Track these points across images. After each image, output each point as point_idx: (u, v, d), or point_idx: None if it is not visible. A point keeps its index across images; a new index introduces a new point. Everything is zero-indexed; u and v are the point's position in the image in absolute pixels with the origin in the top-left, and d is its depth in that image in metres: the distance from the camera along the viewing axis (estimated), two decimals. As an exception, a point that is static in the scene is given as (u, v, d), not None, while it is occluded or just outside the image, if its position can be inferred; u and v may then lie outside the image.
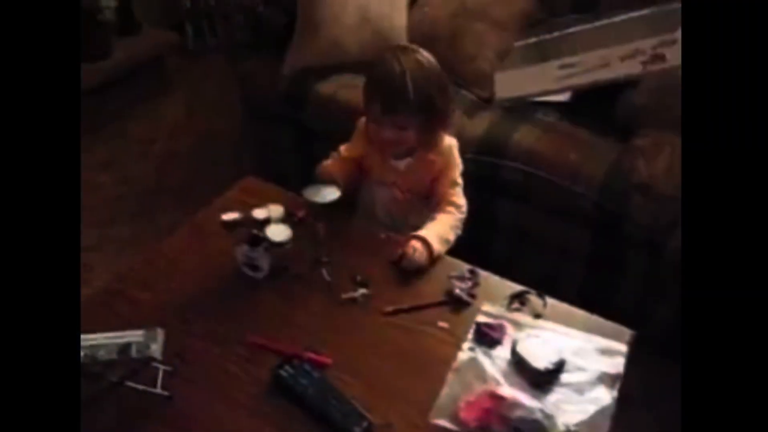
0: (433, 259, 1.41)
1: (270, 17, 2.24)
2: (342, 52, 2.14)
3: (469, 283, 1.37)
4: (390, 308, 1.33)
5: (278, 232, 1.34)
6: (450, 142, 1.56)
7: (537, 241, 1.90)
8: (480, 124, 1.94)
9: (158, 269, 1.44)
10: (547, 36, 1.99)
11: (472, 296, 1.35)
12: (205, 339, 1.27)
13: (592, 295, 1.79)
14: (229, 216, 1.38)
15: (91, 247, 2.32)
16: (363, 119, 1.62)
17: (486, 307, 1.33)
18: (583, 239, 1.82)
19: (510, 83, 1.99)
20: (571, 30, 1.95)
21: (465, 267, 1.41)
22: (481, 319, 1.30)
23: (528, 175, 1.83)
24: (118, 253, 2.31)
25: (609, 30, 1.86)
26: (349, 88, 2.10)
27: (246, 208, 1.54)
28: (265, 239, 1.33)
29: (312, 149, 2.21)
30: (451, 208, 1.51)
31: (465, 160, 1.84)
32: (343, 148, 1.67)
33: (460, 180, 1.55)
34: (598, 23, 1.92)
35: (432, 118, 1.49)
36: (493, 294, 1.36)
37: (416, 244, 1.40)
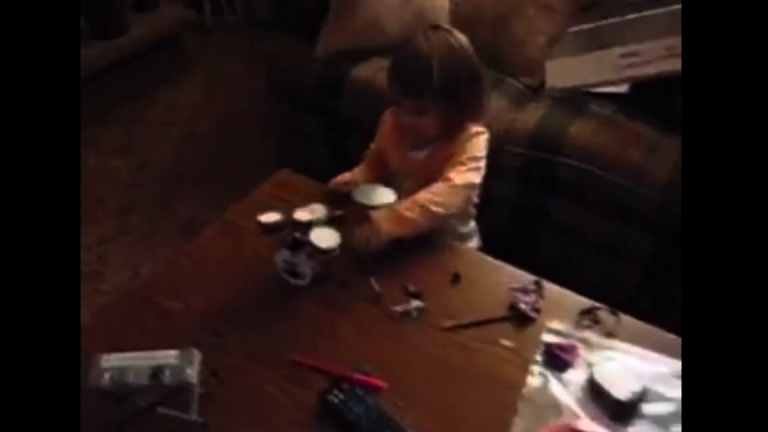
0: (382, 236, 1.25)
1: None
2: (381, 34, 1.98)
3: (534, 297, 1.23)
4: (448, 323, 1.19)
5: (324, 237, 1.20)
6: (476, 130, 1.40)
7: (590, 243, 1.76)
8: (531, 117, 1.79)
9: (187, 274, 1.31)
10: (605, 21, 1.83)
11: (537, 311, 1.22)
12: (242, 356, 1.14)
13: (648, 303, 1.65)
14: (268, 217, 1.24)
15: (107, 238, 2.19)
16: (386, 112, 1.52)
17: (554, 324, 1.20)
18: (642, 243, 1.67)
19: (564, 72, 1.83)
20: (631, 16, 1.79)
21: (528, 278, 1.27)
22: (550, 338, 1.17)
23: (583, 172, 1.69)
24: (135, 244, 2.18)
25: (675, 17, 1.70)
26: (388, 73, 1.95)
27: (281, 204, 1.41)
28: (309, 244, 1.20)
29: (345, 139, 2.07)
30: (440, 184, 1.31)
31: (516, 156, 1.70)
32: (372, 146, 1.56)
33: (469, 163, 1.34)
34: (662, 9, 1.75)
35: (456, 107, 1.35)
36: (560, 309, 1.23)
37: (360, 226, 1.26)
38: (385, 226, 1.26)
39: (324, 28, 2.02)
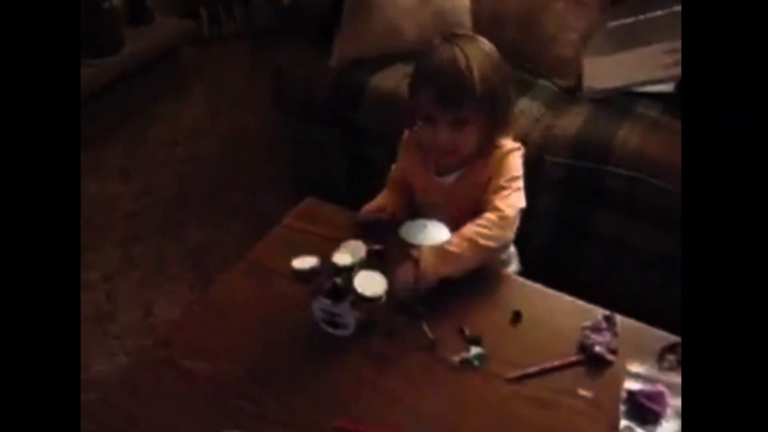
0: (428, 277, 1.11)
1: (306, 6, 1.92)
2: (399, 38, 1.83)
3: (608, 336, 1.09)
4: (514, 373, 1.05)
5: (369, 283, 1.05)
6: (510, 146, 1.26)
7: (641, 257, 1.61)
8: (571, 123, 1.64)
9: (210, 327, 1.16)
10: (643, 16, 1.68)
11: (614, 352, 1.07)
12: (283, 425, 1.00)
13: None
14: (302, 262, 1.09)
15: (112, 272, 2.04)
16: (406, 134, 1.37)
17: (633, 367, 1.05)
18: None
19: (603, 71, 1.68)
20: (671, 9, 1.64)
21: (599, 313, 1.13)
22: (632, 384, 1.02)
23: (634, 181, 1.54)
24: (144, 279, 2.03)
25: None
26: (410, 82, 1.80)
27: (310, 240, 1.27)
28: (352, 292, 1.05)
29: (365, 152, 1.92)
30: (487, 214, 1.17)
31: (557, 167, 1.55)
32: (393, 167, 1.41)
33: (512, 183, 1.22)
34: None
35: (495, 117, 1.22)
36: (638, 347, 1.08)
37: (403, 267, 1.12)
38: (430, 264, 1.12)
39: (338, 36, 1.87)
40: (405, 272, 1.12)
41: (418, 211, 1.40)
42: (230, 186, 2.35)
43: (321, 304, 1.07)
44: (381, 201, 1.34)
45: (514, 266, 1.42)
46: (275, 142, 2.42)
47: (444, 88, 1.18)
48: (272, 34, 2.94)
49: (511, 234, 1.20)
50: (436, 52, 1.20)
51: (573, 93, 1.77)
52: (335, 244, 1.20)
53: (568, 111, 1.68)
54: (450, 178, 1.30)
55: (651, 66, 1.62)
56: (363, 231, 1.26)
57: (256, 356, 1.10)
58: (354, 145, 1.95)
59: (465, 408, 1.02)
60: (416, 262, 1.10)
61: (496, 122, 1.23)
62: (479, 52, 1.19)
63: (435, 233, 1.03)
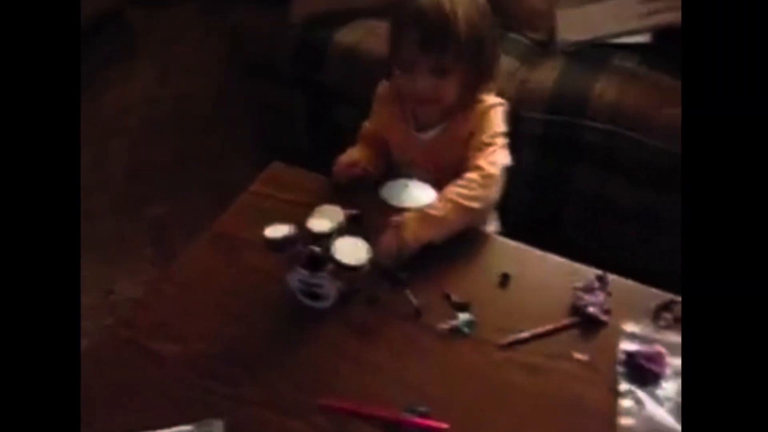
0: (409, 244, 1.05)
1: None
2: (363, -9, 1.73)
3: (601, 296, 1.04)
4: (506, 339, 0.99)
5: (349, 251, 0.97)
6: (492, 101, 1.20)
7: (621, 212, 1.58)
8: (546, 77, 1.58)
9: (177, 304, 1.07)
10: (620, -38, 1.61)
11: (608, 312, 1.03)
12: (263, 407, 0.93)
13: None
14: (275, 230, 1.00)
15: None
16: (380, 86, 1.30)
17: (629, 327, 1.01)
18: (677, 210, 1.49)
19: (577, 23, 1.62)
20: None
21: (591, 273, 1.08)
22: (628, 345, 0.98)
23: (613, 135, 1.49)
24: (103, 257, 1.91)
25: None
26: (376, 36, 1.70)
27: (280, 207, 1.19)
28: (332, 261, 0.97)
29: (332, 113, 1.83)
30: (469, 174, 1.11)
31: (534, 122, 1.49)
32: (366, 124, 1.33)
33: (494, 140, 1.16)
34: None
35: (479, 65, 1.16)
36: (632, 306, 1.04)
37: (385, 234, 1.05)
38: (413, 230, 1.05)
39: (297, -9, 1.75)
40: (387, 239, 1.05)
41: (394, 169, 1.33)
42: (188, 155, 2.23)
43: (298, 275, 0.99)
44: (354, 154, 1.26)
45: (493, 226, 1.37)
46: (234, 107, 2.29)
47: (427, 32, 1.10)
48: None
49: (495, 193, 1.13)
50: None
51: (545, 46, 1.71)
52: (308, 209, 1.11)
53: (542, 65, 1.62)
54: (430, 134, 1.23)
55: (626, 16, 1.57)
56: (336, 193, 1.19)
57: (228, 334, 1.02)
58: (319, 106, 1.85)
59: (455, 377, 0.96)
60: (398, 228, 1.03)
61: (480, 73, 1.16)
62: None
63: (418, 194, 0.96)
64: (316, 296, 1.01)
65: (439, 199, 1.07)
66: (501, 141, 1.17)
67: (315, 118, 1.87)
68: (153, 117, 2.40)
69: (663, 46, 1.60)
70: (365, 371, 0.97)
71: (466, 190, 1.09)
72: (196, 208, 2.01)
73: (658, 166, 1.46)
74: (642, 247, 1.58)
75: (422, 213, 1.06)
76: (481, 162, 1.13)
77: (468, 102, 1.19)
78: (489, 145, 1.16)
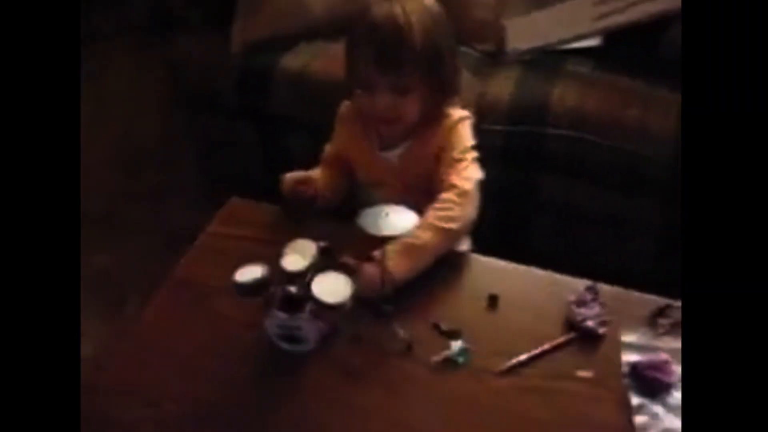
0: (397, 278, 0.99)
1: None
2: (305, 15, 1.67)
3: (596, 308, 1.00)
4: (504, 365, 0.93)
5: (330, 288, 0.89)
6: (458, 115, 1.15)
7: (591, 219, 1.55)
8: (502, 88, 1.55)
9: (144, 364, 0.96)
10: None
11: (604, 324, 0.98)
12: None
13: (664, 277, 1.47)
14: (245, 274, 0.92)
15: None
16: (344, 105, 1.24)
17: (627, 337, 0.97)
18: (651, 211, 1.49)
19: (526, 31, 1.61)
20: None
21: (580, 284, 1.03)
22: (630, 356, 0.94)
23: (577, 141, 1.47)
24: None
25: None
26: (323, 58, 1.64)
27: (244, 246, 1.10)
28: (312, 300, 0.89)
29: (283, 142, 1.75)
30: (445, 194, 1.06)
31: (495, 135, 1.46)
32: (327, 147, 1.27)
33: (465, 155, 1.11)
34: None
35: (440, 80, 1.11)
36: (626, 315, 1.00)
37: (367, 268, 0.99)
38: (398, 264, 0.98)
39: (237, 17, 1.67)
40: (370, 273, 0.97)
41: (360, 190, 1.26)
42: (128, 197, 2.09)
43: (275, 320, 0.91)
44: (309, 174, 1.19)
45: (466, 245, 1.32)
46: (176, 144, 2.17)
47: (381, 49, 1.05)
48: (151, 30, 2.67)
49: (473, 210, 1.08)
50: (372, 10, 1.07)
51: (495, 57, 1.68)
52: (274, 247, 1.03)
53: (495, 75, 1.59)
54: (395, 152, 1.17)
55: (575, 21, 1.56)
56: (301, 226, 1.11)
57: (203, 392, 0.92)
58: (268, 136, 1.77)
59: (457, 411, 0.89)
60: (381, 261, 0.96)
61: (442, 87, 1.11)
62: (419, 8, 1.07)
63: (399, 221, 0.89)
64: (296, 339, 0.93)
65: (419, 227, 1.00)
66: (471, 155, 1.13)
67: (266, 149, 1.79)
68: (88, 159, 2.24)
69: (613, 48, 1.60)
70: (358, 416, 0.89)
71: (443, 212, 1.04)
72: (142, 255, 1.89)
73: (625, 169, 1.45)
74: (614, 252, 1.56)
75: (405, 244, 0.99)
76: (455, 179, 1.08)
77: (432, 118, 1.14)
78: (460, 161, 1.11)
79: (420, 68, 1.06)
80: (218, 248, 1.14)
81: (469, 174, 1.10)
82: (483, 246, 1.25)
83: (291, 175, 1.16)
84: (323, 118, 1.26)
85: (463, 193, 1.07)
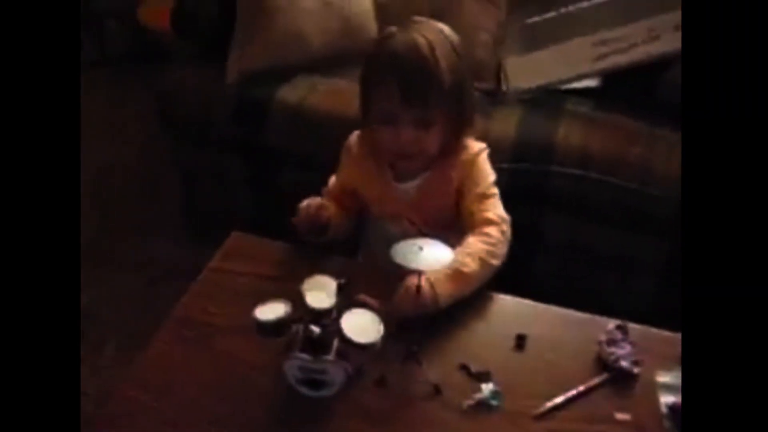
0: (440, 301, 0.96)
1: (195, 8, 1.66)
2: (304, 46, 1.64)
3: (627, 347, 0.96)
4: (540, 408, 0.88)
5: (361, 328, 0.83)
6: (477, 147, 1.14)
7: (594, 258, 1.53)
8: (506, 125, 1.53)
9: (150, 413, 0.87)
10: (563, 10, 1.62)
11: (637, 364, 0.94)
12: None
13: (666, 318, 1.46)
14: (268, 313, 0.84)
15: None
16: (352, 137, 1.20)
17: (662, 378, 0.93)
18: (655, 250, 1.47)
19: (526, 70, 1.61)
20: (588, 3, 1.60)
21: (606, 323, 1.00)
22: (668, 398, 0.90)
23: (581, 180, 1.46)
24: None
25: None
26: (321, 92, 1.61)
27: (250, 284, 1.05)
28: (342, 340, 0.82)
29: (276, 178, 1.69)
30: (486, 228, 1.04)
31: (499, 173, 1.44)
32: (331, 182, 1.22)
33: (492, 190, 1.11)
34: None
35: (462, 114, 1.09)
36: (655, 353, 0.96)
37: (410, 281, 0.94)
38: (441, 284, 0.94)
39: (233, 47, 1.63)
40: (412, 289, 0.92)
41: (369, 225, 1.22)
42: (108, 232, 1.99)
43: (298, 362, 0.84)
44: (325, 201, 1.13)
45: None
46: (161, 177, 2.09)
47: (407, 82, 1.01)
48: (131, 61, 2.61)
49: (507, 248, 1.06)
50: (394, 40, 1.04)
51: (493, 96, 1.68)
52: (283, 283, 0.99)
53: (497, 114, 1.58)
54: (412, 185, 1.13)
55: (575, 61, 1.57)
56: (310, 262, 1.05)
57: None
58: (260, 171, 1.71)
59: (496, 460, 0.83)
60: (428, 283, 0.93)
61: (463, 119, 1.09)
62: (440, 37, 1.04)
63: (434, 255, 0.84)
64: (318, 384, 0.86)
65: (467, 256, 0.98)
66: (496, 191, 1.11)
67: (255, 186, 1.73)
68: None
69: (612, 89, 1.62)
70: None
71: (491, 246, 1.02)
72: (123, 293, 1.79)
73: (629, 207, 1.44)
74: (615, 291, 1.54)
75: (453, 269, 0.96)
76: (492, 215, 1.06)
77: (450, 150, 1.11)
78: (488, 197, 1.09)
79: (445, 102, 1.03)
80: (222, 285, 1.07)
81: (502, 212, 1.08)
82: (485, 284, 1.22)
83: (309, 201, 1.11)
84: (319, 153, 1.23)
85: (504, 232, 1.05)
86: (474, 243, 1.01)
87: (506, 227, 1.06)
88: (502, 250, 1.03)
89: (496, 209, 1.07)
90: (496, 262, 1.02)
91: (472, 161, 1.11)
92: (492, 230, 1.03)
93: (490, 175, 1.11)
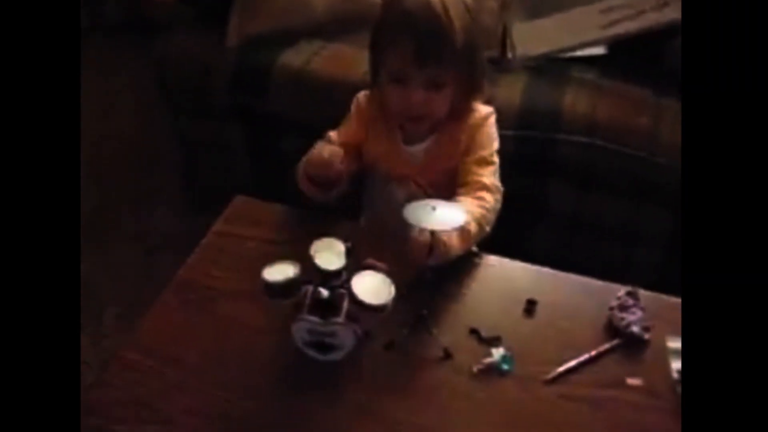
0: (451, 252, 0.93)
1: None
2: (307, 10, 1.60)
3: (638, 312, 0.95)
4: (551, 373, 0.87)
5: (372, 290, 0.81)
6: (485, 111, 1.13)
7: (598, 228, 1.52)
8: (512, 92, 1.51)
9: (153, 377, 0.86)
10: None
11: (647, 329, 0.93)
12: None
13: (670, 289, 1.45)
14: (276, 274, 0.82)
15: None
16: (361, 95, 1.17)
17: (672, 343, 0.92)
18: (661, 220, 1.46)
19: (534, 37, 1.58)
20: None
21: (616, 289, 0.98)
22: (679, 362, 0.89)
23: (588, 148, 1.43)
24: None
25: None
26: (324, 58, 1.58)
27: (254, 245, 1.03)
28: (349, 302, 0.81)
29: (277, 145, 1.66)
30: (481, 193, 1.03)
31: (504, 140, 1.41)
32: (333, 133, 1.17)
33: (494, 158, 1.09)
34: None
35: (474, 76, 1.07)
36: (665, 319, 0.95)
37: (418, 234, 0.89)
38: (449, 237, 0.91)
39: (233, 11, 1.59)
40: (420, 240, 0.88)
41: (375, 186, 1.19)
42: (106, 203, 1.95)
43: (307, 324, 0.82)
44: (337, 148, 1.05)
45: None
46: (156, 147, 2.06)
47: (420, 41, 0.98)
48: (126, 29, 2.55)
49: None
50: (402, 1, 1.01)
51: (498, 63, 1.65)
52: (288, 247, 0.98)
53: (502, 81, 1.55)
54: (420, 147, 1.11)
55: (583, 28, 1.54)
56: (314, 224, 1.03)
57: (220, 406, 0.82)
58: (261, 138, 1.68)
59: (507, 422, 0.82)
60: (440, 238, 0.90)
61: (474, 81, 1.07)
62: None
63: (448, 216, 0.82)
64: (327, 347, 0.84)
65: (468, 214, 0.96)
66: (497, 160, 1.10)
67: (256, 153, 1.70)
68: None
69: (617, 56, 1.59)
70: (395, 429, 0.81)
71: (486, 212, 1.01)
72: (121, 263, 1.76)
73: (636, 176, 1.42)
74: (619, 261, 1.52)
75: (462, 228, 0.93)
76: (488, 182, 1.05)
77: (459, 113, 1.09)
78: (490, 163, 1.08)
79: (458, 63, 1.01)
80: (226, 249, 1.05)
81: (498, 182, 1.07)
82: (486, 251, 1.20)
83: (323, 144, 1.04)
84: (322, 119, 1.18)
85: (498, 201, 1.05)
86: (471, 205, 0.99)
87: (500, 197, 1.05)
88: (493, 218, 1.02)
89: (493, 177, 1.06)
90: (488, 228, 1.01)
91: (480, 124, 1.10)
92: (488, 196, 1.02)
93: (495, 141, 1.10)
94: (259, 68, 1.57)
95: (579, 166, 1.45)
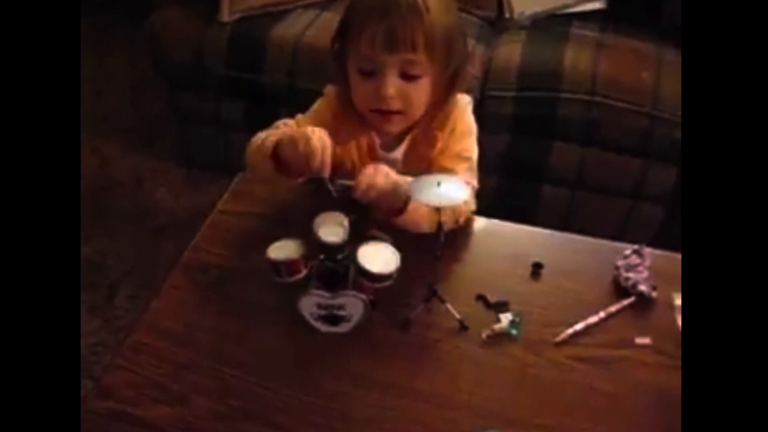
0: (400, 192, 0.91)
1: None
2: (299, -19, 1.57)
3: (645, 271, 0.95)
4: (560, 336, 0.88)
5: (378, 260, 0.81)
6: (461, 103, 1.05)
7: (601, 187, 1.51)
8: (511, 52, 1.49)
9: (164, 358, 0.87)
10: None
11: (654, 288, 0.94)
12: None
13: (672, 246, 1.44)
14: (281, 251, 0.82)
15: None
16: (331, 91, 1.07)
17: (679, 300, 0.92)
18: (663, 176, 1.45)
19: (530, -6, 1.54)
20: None
21: (622, 249, 0.98)
22: (687, 320, 0.90)
23: (592, 105, 1.42)
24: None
25: None
26: (319, 28, 1.55)
27: (259, 223, 1.02)
28: (360, 272, 0.81)
29: (276, 120, 1.64)
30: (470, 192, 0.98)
31: (505, 101, 1.40)
32: (300, 118, 1.09)
33: (468, 153, 1.03)
34: None
35: (453, 64, 0.97)
36: (670, 276, 0.95)
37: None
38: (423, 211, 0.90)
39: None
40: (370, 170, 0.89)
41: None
42: (108, 185, 1.95)
43: (315, 298, 0.82)
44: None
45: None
46: (154, 122, 2.04)
47: (392, 26, 0.90)
48: (118, 7, 2.52)
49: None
50: None
51: (493, 23, 1.62)
52: (292, 223, 0.95)
53: (500, 41, 1.53)
54: (399, 152, 1.04)
55: (581, -19, 1.51)
56: (317, 199, 1.02)
57: (233, 385, 0.83)
58: (259, 112, 1.66)
59: (518, 388, 0.83)
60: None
61: (455, 73, 0.98)
62: None
63: (453, 190, 0.81)
64: (337, 319, 0.85)
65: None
66: (472, 155, 1.04)
67: (256, 126, 1.67)
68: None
69: (617, 10, 1.56)
70: (416, 400, 0.82)
71: (467, 208, 0.98)
72: (128, 243, 1.77)
73: (640, 132, 1.41)
74: (628, 225, 1.52)
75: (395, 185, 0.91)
76: (467, 175, 1.00)
77: (441, 105, 1.00)
78: (465, 159, 1.02)
79: (434, 50, 0.92)
80: (231, 227, 1.05)
81: (474, 181, 1.02)
82: (488, 215, 1.19)
83: (310, 131, 0.91)
84: (319, 90, 1.16)
85: (468, 203, 0.98)
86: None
87: (472, 197, 0.99)
88: (465, 209, 0.98)
89: (470, 174, 1.01)
90: (461, 219, 0.97)
91: (457, 118, 1.02)
92: (470, 193, 0.97)
93: (472, 135, 1.03)
94: (254, 41, 1.55)
95: (581, 124, 1.44)
